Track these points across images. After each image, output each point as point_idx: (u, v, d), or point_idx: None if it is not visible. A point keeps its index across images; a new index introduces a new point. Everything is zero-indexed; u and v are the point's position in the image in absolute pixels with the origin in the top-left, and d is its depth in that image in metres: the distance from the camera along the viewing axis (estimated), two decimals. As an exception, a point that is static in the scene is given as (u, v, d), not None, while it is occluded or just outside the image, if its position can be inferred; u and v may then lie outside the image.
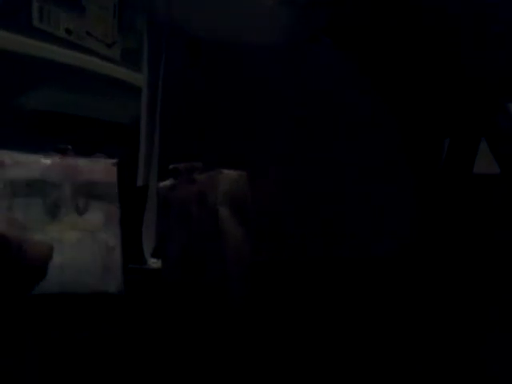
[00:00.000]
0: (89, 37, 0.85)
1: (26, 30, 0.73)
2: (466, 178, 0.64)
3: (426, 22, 0.54)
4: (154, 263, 0.57)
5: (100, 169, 0.40)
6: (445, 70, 0.57)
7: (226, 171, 0.42)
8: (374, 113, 0.59)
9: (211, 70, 0.59)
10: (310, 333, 0.53)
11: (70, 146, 0.39)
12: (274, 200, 0.55)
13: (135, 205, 0.54)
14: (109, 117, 0.82)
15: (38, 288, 0.34)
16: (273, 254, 0.56)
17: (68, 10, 0.81)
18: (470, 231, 0.60)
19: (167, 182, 0.45)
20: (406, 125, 0.62)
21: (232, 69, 0.59)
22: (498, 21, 0.52)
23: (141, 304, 0.48)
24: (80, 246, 0.38)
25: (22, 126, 0.71)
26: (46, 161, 0.38)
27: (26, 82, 0.73)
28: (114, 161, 0.41)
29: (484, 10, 0.51)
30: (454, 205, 0.62)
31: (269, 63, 0.59)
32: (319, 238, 0.57)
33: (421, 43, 0.55)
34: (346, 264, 0.55)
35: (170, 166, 0.44)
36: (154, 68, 0.61)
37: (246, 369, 0.46)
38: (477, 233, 0.60)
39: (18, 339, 0.35)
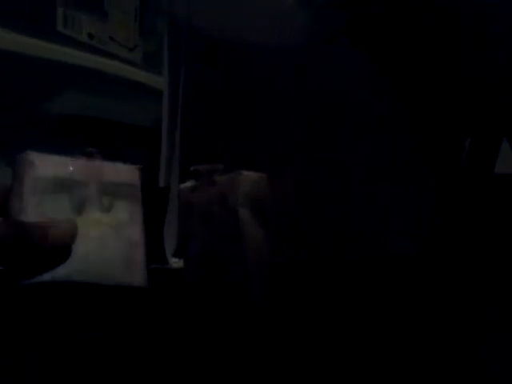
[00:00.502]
0: (111, 41, 0.87)
1: (51, 36, 0.75)
2: (487, 178, 0.64)
3: (442, 22, 0.54)
4: (175, 263, 0.58)
5: (124, 172, 0.41)
6: (463, 69, 0.56)
7: (246, 173, 0.42)
8: (388, 112, 0.59)
9: (229, 72, 0.60)
10: (329, 333, 0.54)
11: (96, 150, 0.40)
12: (292, 201, 0.55)
13: (157, 206, 0.55)
14: (131, 119, 0.83)
15: (63, 275, 0.35)
16: (292, 255, 0.56)
17: (90, 15, 0.83)
18: (491, 231, 0.60)
19: (188, 184, 0.45)
20: (425, 124, 0.61)
21: (249, 70, 0.60)
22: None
23: (162, 302, 0.49)
24: (104, 239, 0.38)
25: (47, 129, 0.73)
26: (74, 162, 0.39)
27: (50, 87, 0.75)
28: (137, 166, 0.42)
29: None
30: (474, 205, 0.62)
31: (286, 64, 0.59)
32: (338, 238, 0.57)
33: (438, 43, 0.55)
34: (366, 265, 0.55)
35: (191, 168, 0.45)
36: (174, 71, 0.62)
37: (266, 368, 0.46)
38: (497, 233, 0.59)
39: (18, 338, 0.36)
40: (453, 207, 0.61)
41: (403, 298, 0.55)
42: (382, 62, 0.59)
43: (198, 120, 0.61)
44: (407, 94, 0.60)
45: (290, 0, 0.56)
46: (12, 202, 0.37)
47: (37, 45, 0.73)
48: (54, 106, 0.76)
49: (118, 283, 0.38)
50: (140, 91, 0.86)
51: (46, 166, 0.38)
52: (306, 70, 0.59)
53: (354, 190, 0.58)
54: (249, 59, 0.59)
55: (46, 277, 0.35)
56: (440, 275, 0.57)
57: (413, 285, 0.56)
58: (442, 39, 0.54)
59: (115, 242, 0.39)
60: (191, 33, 0.60)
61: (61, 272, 0.36)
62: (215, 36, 0.59)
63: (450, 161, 0.64)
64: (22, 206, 0.36)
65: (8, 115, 0.72)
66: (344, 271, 0.55)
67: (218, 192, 0.43)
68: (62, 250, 0.35)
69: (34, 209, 0.37)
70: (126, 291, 0.39)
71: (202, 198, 0.44)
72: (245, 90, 0.60)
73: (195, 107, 0.61)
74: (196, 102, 0.61)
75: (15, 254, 0.34)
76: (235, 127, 0.60)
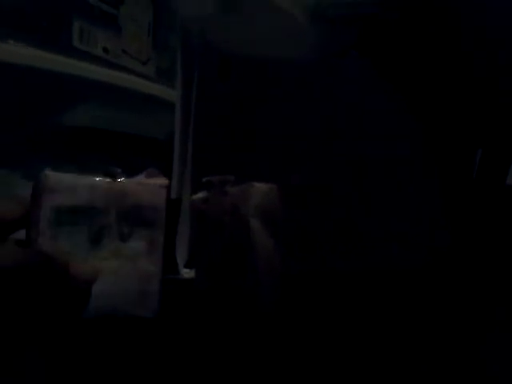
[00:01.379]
0: (125, 55, 0.88)
1: (67, 50, 0.77)
2: (498, 189, 0.64)
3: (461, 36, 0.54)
4: (186, 273, 0.58)
5: (149, 192, 0.39)
6: (479, 80, 0.56)
7: (257, 184, 0.43)
8: (398, 123, 0.59)
9: (241, 85, 0.61)
10: (339, 342, 0.54)
11: (119, 170, 0.38)
12: (302, 211, 0.56)
13: (169, 217, 0.56)
14: (144, 132, 0.84)
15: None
16: (303, 266, 0.56)
17: (105, 30, 0.84)
18: (502, 242, 0.60)
19: (200, 195, 0.46)
20: (437, 135, 0.62)
21: (261, 83, 0.61)
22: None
23: (174, 312, 0.49)
24: (119, 273, 0.38)
25: (62, 141, 0.74)
26: (95, 185, 0.37)
27: (66, 100, 0.77)
28: (165, 182, 0.40)
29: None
30: (486, 216, 0.62)
31: (298, 78, 0.60)
32: (347, 249, 0.57)
33: (440, 45, 0.55)
34: (375, 276, 0.55)
35: (204, 179, 0.45)
36: (187, 84, 0.63)
37: (276, 374, 0.46)
38: (509, 244, 0.59)
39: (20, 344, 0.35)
40: (464, 218, 0.61)
41: (411, 303, 0.55)
42: (391, 73, 0.59)
43: (209, 132, 0.61)
44: (418, 104, 0.60)
45: (302, 15, 0.57)
46: (29, 229, 0.36)
47: (54, 59, 0.75)
48: (69, 118, 0.78)
49: (128, 315, 0.38)
50: (153, 104, 0.88)
51: (65, 192, 0.36)
52: (318, 84, 0.60)
53: (363, 200, 0.58)
54: (260, 73, 0.60)
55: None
56: (449, 284, 0.56)
57: (420, 293, 0.56)
58: (442, 40, 0.54)
59: (130, 274, 0.38)
60: (204, 47, 0.61)
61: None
62: (228, 50, 0.60)
63: (462, 172, 0.64)
64: (37, 238, 0.35)
65: (24, 128, 0.73)
66: (354, 281, 0.55)
67: (229, 203, 0.43)
68: (81, 291, 0.35)
69: (49, 241, 0.35)
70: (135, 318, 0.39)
71: (214, 209, 0.44)
72: (256, 104, 0.61)
73: (207, 120, 0.62)
74: (208, 114, 0.62)
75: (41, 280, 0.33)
76: (246, 139, 0.61)
